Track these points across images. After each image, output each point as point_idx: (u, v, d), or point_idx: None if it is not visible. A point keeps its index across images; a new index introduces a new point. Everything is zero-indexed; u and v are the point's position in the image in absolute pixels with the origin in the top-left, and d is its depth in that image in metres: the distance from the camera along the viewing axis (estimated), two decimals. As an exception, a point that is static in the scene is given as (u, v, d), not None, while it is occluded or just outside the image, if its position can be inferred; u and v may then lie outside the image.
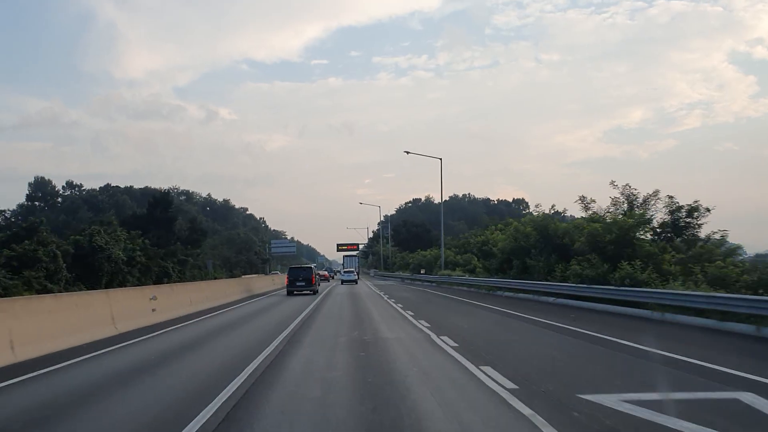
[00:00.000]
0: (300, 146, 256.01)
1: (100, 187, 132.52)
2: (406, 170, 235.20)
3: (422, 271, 53.41)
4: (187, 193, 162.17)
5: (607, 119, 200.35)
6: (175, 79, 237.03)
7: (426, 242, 73.48)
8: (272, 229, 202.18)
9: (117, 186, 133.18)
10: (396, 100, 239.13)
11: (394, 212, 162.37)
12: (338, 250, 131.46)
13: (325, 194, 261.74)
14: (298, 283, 35.12)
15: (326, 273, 72.42)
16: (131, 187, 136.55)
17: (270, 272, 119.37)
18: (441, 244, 47.97)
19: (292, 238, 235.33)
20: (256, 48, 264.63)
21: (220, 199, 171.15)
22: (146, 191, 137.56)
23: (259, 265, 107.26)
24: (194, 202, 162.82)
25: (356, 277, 58.41)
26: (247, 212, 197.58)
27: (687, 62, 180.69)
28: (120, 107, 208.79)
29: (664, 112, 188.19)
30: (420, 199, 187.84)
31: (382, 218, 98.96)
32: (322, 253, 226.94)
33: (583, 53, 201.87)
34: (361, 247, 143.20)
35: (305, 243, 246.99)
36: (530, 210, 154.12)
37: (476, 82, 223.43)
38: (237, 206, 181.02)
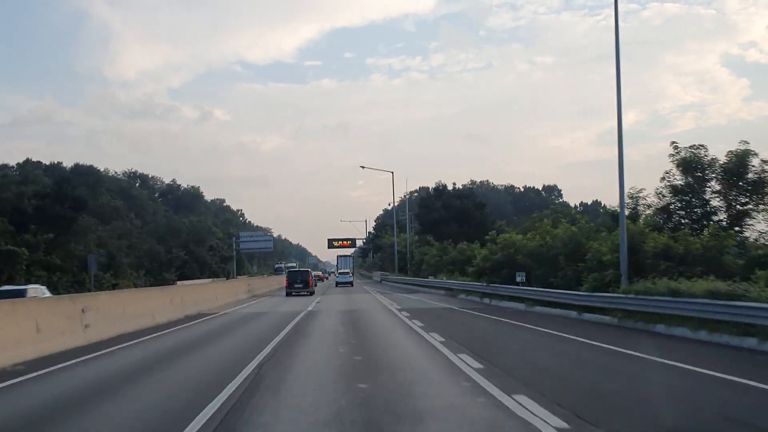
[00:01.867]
0: (294, 147, 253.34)
1: (18, 164, 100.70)
2: (399, 170, 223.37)
3: (520, 280, 21.95)
4: (142, 177, 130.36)
5: (600, 121, 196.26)
6: (169, 79, 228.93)
7: (478, 224, 42.28)
8: (255, 224, 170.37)
9: (38, 161, 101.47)
10: (390, 102, 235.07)
11: (396, 204, 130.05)
12: (330, 247, 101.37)
13: (319, 195, 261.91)
14: (296, 285, 35.81)
15: (321, 273, 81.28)
16: (59, 163, 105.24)
17: (235, 275, 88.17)
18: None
19: (282, 236, 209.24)
20: (250, 49, 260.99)
21: (185, 186, 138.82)
22: (80, 168, 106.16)
23: (216, 266, 75.56)
24: (151, 188, 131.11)
25: (352, 278, 56.33)
26: (224, 204, 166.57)
27: (680, 65, 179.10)
28: (113, 106, 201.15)
29: (657, 114, 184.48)
30: (427, 187, 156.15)
31: (394, 203, 68.07)
32: (314, 254, 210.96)
33: (577, 55, 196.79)
34: (358, 243, 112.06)
35: (295, 242, 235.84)
36: (563, 200, 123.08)
37: (470, 83, 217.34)
38: (208, 195, 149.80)
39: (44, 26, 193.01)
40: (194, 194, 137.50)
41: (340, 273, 60.44)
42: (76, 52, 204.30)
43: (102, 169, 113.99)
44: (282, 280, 63.86)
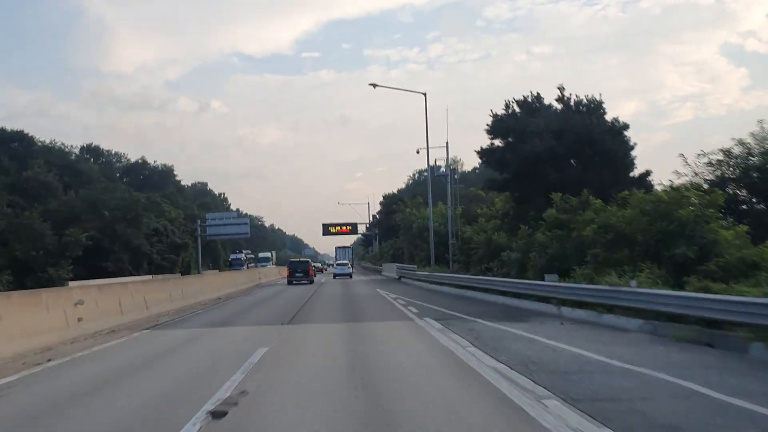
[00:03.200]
0: (293, 139, 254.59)
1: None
2: (396, 164, 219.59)
3: None
4: (98, 150, 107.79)
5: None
6: (166, 72, 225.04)
7: (616, 164, 20.30)
8: (246, 212, 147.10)
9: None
10: (388, 93, 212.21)
11: (404, 186, 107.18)
12: (326, 233, 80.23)
13: (316, 187, 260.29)
14: (297, 274, 37.79)
15: (320, 265, 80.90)
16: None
17: (200, 270, 66.05)
18: None
19: (276, 226, 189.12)
20: (247, 41, 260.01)
21: (154, 163, 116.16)
22: (4, 135, 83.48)
23: (161, 257, 53.30)
24: (109, 164, 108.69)
25: (350, 270, 54.30)
26: (207, 188, 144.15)
27: (679, 55, 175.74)
28: (110, 99, 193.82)
29: (656, 105, 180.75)
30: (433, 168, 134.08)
31: (428, 142, 46.75)
32: (310, 245, 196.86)
33: (575, 46, 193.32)
34: (360, 229, 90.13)
35: (290, 234, 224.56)
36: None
37: (468, 74, 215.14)
38: (181, 175, 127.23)
39: (39, 19, 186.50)
40: (163, 172, 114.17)
41: (337, 264, 58.56)
42: (72, 45, 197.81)
43: (48, 141, 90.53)
44: (234, 277, 42.67)
